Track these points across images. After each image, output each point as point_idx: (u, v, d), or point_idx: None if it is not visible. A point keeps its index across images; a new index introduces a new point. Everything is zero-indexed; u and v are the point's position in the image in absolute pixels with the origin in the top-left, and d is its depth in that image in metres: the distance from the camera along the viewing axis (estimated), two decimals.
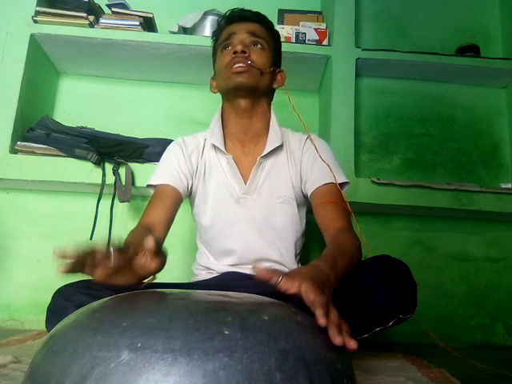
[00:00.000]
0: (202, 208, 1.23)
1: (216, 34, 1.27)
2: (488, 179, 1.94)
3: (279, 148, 1.22)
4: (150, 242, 0.71)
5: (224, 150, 1.21)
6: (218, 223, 1.21)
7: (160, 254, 0.75)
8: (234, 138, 1.24)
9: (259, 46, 1.19)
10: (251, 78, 1.14)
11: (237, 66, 1.13)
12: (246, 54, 1.15)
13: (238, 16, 1.22)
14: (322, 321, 0.60)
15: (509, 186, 1.77)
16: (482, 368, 1.03)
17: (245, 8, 1.25)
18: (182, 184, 1.19)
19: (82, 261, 0.65)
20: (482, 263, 1.82)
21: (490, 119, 2.00)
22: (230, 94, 1.19)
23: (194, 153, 1.24)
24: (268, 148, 1.20)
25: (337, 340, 0.59)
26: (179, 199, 1.19)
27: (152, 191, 1.21)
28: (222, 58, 1.20)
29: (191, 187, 1.23)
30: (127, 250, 0.72)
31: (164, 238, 1.13)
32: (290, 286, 0.67)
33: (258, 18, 1.23)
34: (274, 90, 1.27)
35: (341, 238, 1.03)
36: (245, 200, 1.20)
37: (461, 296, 1.79)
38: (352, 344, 0.60)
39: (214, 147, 1.23)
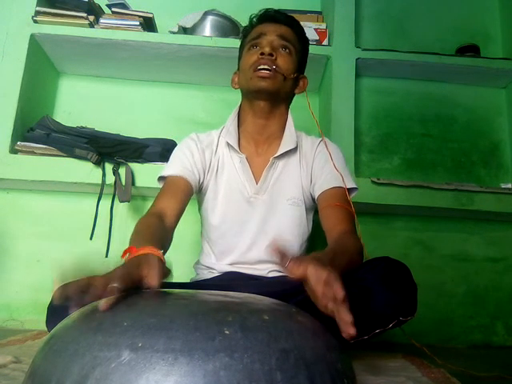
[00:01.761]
0: (212, 205, 1.23)
1: (246, 31, 1.27)
2: (488, 179, 1.94)
3: (293, 150, 1.23)
4: (153, 283, 0.69)
5: (238, 149, 1.21)
6: (228, 221, 1.21)
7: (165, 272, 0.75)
8: (248, 137, 1.24)
9: (287, 50, 1.18)
10: (274, 83, 1.14)
11: (262, 67, 1.13)
12: (273, 57, 1.14)
13: (270, 17, 1.22)
14: (340, 294, 0.65)
15: (509, 185, 1.77)
16: (482, 365, 1.03)
17: (279, 10, 1.25)
18: (194, 177, 1.18)
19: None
20: (482, 263, 1.82)
21: (489, 119, 2.00)
22: (250, 95, 1.19)
23: (208, 149, 1.24)
24: (282, 149, 1.21)
25: (346, 317, 0.63)
26: (190, 192, 1.18)
27: (161, 185, 1.19)
28: (248, 56, 1.19)
29: (202, 182, 1.23)
30: (126, 286, 0.64)
31: (174, 228, 1.11)
32: (297, 269, 0.69)
33: (289, 22, 1.23)
34: (294, 95, 1.27)
35: (342, 240, 1.02)
36: (255, 200, 1.20)
37: (461, 296, 1.79)
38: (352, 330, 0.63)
39: (228, 145, 1.23)
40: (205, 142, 1.25)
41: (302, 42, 1.25)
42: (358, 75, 1.81)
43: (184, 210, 1.16)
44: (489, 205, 1.66)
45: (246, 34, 1.26)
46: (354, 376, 0.61)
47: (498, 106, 2.01)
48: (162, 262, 0.76)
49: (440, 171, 1.94)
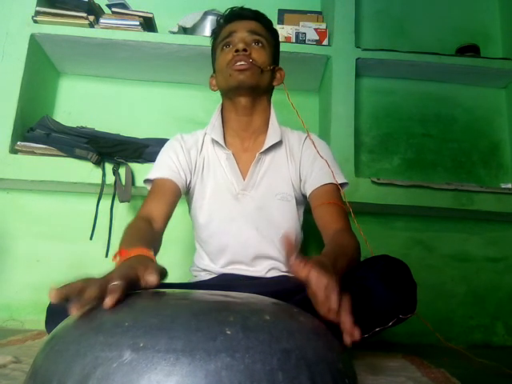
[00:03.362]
0: (200, 204, 1.23)
1: (215, 33, 1.27)
2: (488, 179, 1.94)
3: (278, 144, 1.23)
4: (152, 282, 0.67)
5: (224, 145, 1.21)
6: (216, 219, 1.21)
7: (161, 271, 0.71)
8: (234, 134, 1.24)
9: (260, 44, 1.19)
10: (253, 76, 1.15)
11: (239, 64, 1.14)
12: (248, 52, 1.15)
13: (237, 14, 1.23)
14: (334, 305, 0.63)
15: (509, 185, 1.77)
16: (482, 365, 1.03)
17: (244, 7, 1.25)
18: (180, 179, 1.19)
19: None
20: (482, 263, 1.82)
21: (490, 119, 2.01)
22: (230, 92, 1.19)
23: (193, 149, 1.24)
24: (267, 144, 1.21)
25: (348, 326, 0.62)
26: (178, 193, 1.19)
27: (149, 187, 1.20)
28: (222, 56, 1.19)
29: (189, 183, 1.23)
30: (126, 285, 0.63)
31: (163, 232, 1.12)
32: (301, 269, 0.69)
33: (257, 17, 1.23)
34: (273, 87, 1.27)
35: (340, 239, 1.03)
36: (243, 196, 1.20)
37: (461, 296, 1.79)
38: (356, 334, 0.62)
39: (214, 142, 1.23)
40: (189, 142, 1.25)
41: (272, 34, 1.26)
42: (358, 75, 1.81)
43: (172, 212, 1.16)
44: (489, 205, 1.66)
45: (216, 35, 1.26)
46: (355, 376, 0.61)
47: (498, 106, 2.01)
48: (155, 262, 0.76)
49: (440, 171, 1.94)
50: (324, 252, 0.92)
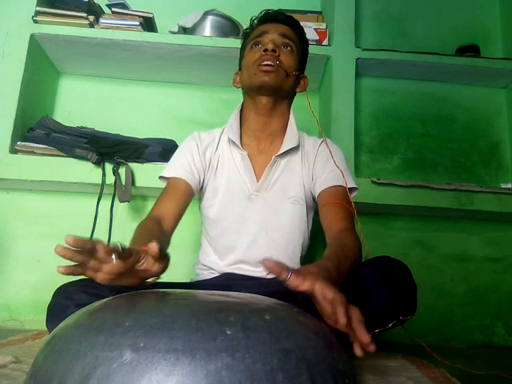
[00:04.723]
0: (212, 202, 1.23)
1: (247, 32, 1.29)
2: (488, 179, 1.94)
3: (294, 149, 1.23)
4: (153, 249, 0.71)
5: (240, 145, 1.21)
6: (227, 218, 1.21)
7: (163, 258, 0.76)
8: (250, 134, 1.25)
9: (289, 48, 1.21)
10: (277, 78, 1.16)
11: (265, 63, 1.15)
12: (276, 54, 1.16)
13: (271, 17, 1.25)
14: (342, 319, 0.60)
15: (509, 185, 1.77)
16: (482, 365, 1.03)
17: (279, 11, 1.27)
18: (193, 178, 1.20)
19: (83, 263, 0.66)
20: (482, 263, 1.82)
21: (490, 119, 2.00)
22: (253, 91, 1.20)
23: (209, 148, 1.25)
24: (284, 147, 1.21)
25: (364, 338, 0.60)
26: (190, 193, 1.20)
27: (163, 183, 1.22)
28: (251, 54, 1.21)
29: (203, 181, 1.24)
30: (129, 255, 0.72)
31: (172, 232, 1.14)
32: (301, 284, 0.67)
33: (290, 22, 1.25)
34: (295, 94, 1.29)
35: (343, 238, 1.03)
36: (256, 197, 1.21)
37: (461, 296, 1.79)
38: (372, 347, 0.62)
39: (230, 142, 1.24)
40: (206, 140, 1.26)
41: (303, 41, 1.27)
42: (358, 75, 1.81)
43: (183, 212, 1.18)
44: (489, 205, 1.66)
45: (247, 35, 1.28)
46: (355, 376, 0.61)
47: (498, 106, 2.01)
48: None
49: (440, 171, 1.94)
50: (326, 254, 0.91)
